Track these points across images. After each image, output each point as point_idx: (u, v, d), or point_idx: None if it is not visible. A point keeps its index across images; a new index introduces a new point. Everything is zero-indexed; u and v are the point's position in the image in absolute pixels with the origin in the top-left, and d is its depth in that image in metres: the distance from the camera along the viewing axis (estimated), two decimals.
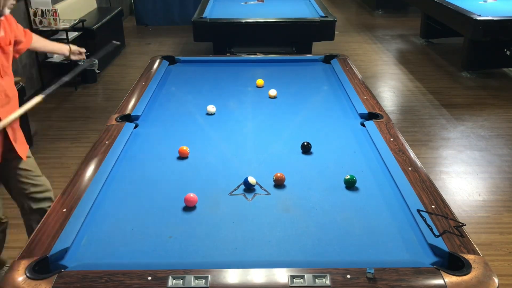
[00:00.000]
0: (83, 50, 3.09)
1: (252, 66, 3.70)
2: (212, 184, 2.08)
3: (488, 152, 4.20)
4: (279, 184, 2.06)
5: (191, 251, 1.66)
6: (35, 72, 5.50)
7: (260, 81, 3.24)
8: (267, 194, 2.00)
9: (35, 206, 2.68)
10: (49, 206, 2.30)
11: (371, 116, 2.68)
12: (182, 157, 2.31)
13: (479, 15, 5.45)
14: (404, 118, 4.93)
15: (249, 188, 2.02)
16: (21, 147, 2.61)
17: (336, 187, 2.05)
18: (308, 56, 4.15)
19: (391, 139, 2.39)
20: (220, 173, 2.17)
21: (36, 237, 1.68)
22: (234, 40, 5.42)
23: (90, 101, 5.42)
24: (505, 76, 6.10)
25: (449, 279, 1.48)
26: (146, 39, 7.89)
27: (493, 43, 5.70)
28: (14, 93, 2.63)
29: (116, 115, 2.69)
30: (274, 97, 3.05)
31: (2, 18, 2.60)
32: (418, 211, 1.79)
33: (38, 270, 1.52)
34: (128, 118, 2.69)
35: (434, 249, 1.63)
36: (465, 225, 1.73)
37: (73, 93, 5.61)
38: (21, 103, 4.25)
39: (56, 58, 5.64)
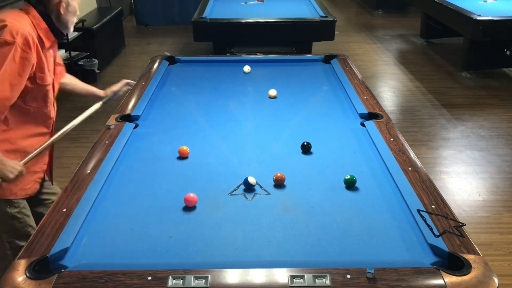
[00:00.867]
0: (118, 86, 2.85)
1: (252, 66, 3.70)
2: (212, 184, 2.08)
3: (488, 152, 4.21)
4: (279, 184, 2.06)
5: (191, 251, 1.66)
6: None
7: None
8: (267, 194, 2.00)
9: None
10: None
11: (371, 116, 2.68)
12: (182, 157, 2.31)
13: (479, 15, 5.46)
14: (404, 118, 4.93)
15: (249, 188, 2.02)
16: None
17: (336, 187, 2.05)
18: (308, 56, 4.15)
19: (391, 139, 2.39)
20: (220, 173, 2.17)
21: (36, 237, 1.68)
22: (234, 40, 5.42)
23: (90, 101, 5.41)
24: (505, 76, 6.10)
25: (449, 279, 1.48)
26: (146, 39, 7.89)
27: (493, 43, 5.70)
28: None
29: (116, 115, 2.69)
30: (274, 97, 3.04)
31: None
32: (418, 211, 1.79)
33: (38, 270, 1.52)
34: (128, 118, 2.69)
35: (434, 249, 1.63)
36: (465, 225, 1.73)
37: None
38: None
39: None
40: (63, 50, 5.76)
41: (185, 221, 1.83)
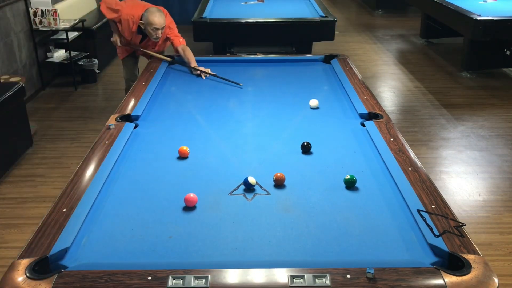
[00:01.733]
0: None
1: (252, 66, 3.70)
2: (212, 184, 2.08)
3: (488, 152, 4.20)
4: (279, 184, 2.06)
5: (191, 251, 1.66)
6: (35, 72, 5.50)
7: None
8: (267, 194, 2.00)
9: None
10: None
11: (371, 116, 2.68)
12: (182, 157, 2.31)
13: (479, 15, 5.45)
14: (404, 118, 4.93)
15: (249, 188, 2.02)
16: None
17: (336, 187, 2.05)
18: (308, 56, 4.15)
19: (391, 139, 2.39)
20: (220, 173, 2.17)
21: (36, 237, 1.68)
22: (234, 40, 5.42)
23: (90, 101, 5.42)
24: (505, 76, 6.10)
25: (449, 279, 1.48)
26: None
27: (493, 43, 5.69)
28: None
29: (116, 115, 2.69)
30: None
31: (159, 41, 3.98)
32: (418, 211, 1.79)
33: (38, 270, 1.52)
34: (128, 118, 2.69)
35: (434, 249, 1.63)
36: (465, 225, 1.73)
37: (73, 93, 5.60)
38: (21, 102, 4.25)
39: (56, 58, 5.64)
40: (63, 50, 5.77)
41: (185, 221, 1.83)
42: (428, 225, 1.71)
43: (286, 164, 2.24)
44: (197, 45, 6.55)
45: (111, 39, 4.26)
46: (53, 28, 5.43)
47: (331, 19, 5.40)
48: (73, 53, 5.72)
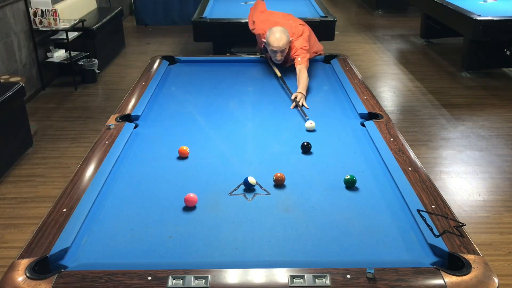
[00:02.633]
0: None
1: (252, 66, 3.70)
2: (212, 184, 2.08)
3: (488, 152, 4.20)
4: (279, 184, 2.06)
5: (191, 251, 1.66)
6: (35, 72, 5.50)
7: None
8: (267, 194, 2.00)
9: None
10: None
11: (371, 116, 2.68)
12: (182, 157, 2.31)
13: (479, 15, 5.45)
14: (404, 118, 4.92)
15: (249, 188, 2.02)
16: None
17: (336, 187, 2.05)
18: None
19: (391, 139, 2.39)
20: (220, 173, 2.17)
21: (36, 237, 1.68)
22: (234, 40, 5.42)
23: (90, 101, 5.42)
24: (505, 76, 6.10)
25: (449, 279, 1.48)
26: (146, 39, 7.89)
27: (493, 43, 5.69)
28: None
29: (116, 115, 2.69)
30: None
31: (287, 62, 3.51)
32: (418, 211, 1.79)
33: (38, 270, 1.52)
34: (128, 118, 2.69)
35: (434, 249, 1.63)
36: (465, 225, 1.73)
37: (73, 93, 5.61)
38: (21, 102, 4.25)
39: (56, 58, 5.64)
40: (63, 50, 5.77)
41: (185, 221, 1.83)
42: (428, 225, 1.71)
43: (286, 164, 2.24)
44: (197, 45, 6.57)
45: None
46: (53, 28, 5.43)
47: (331, 19, 5.40)
48: (73, 53, 5.72)
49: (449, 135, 4.54)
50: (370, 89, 3.14)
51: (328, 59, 3.71)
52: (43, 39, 5.69)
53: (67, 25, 5.51)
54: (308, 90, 3.12)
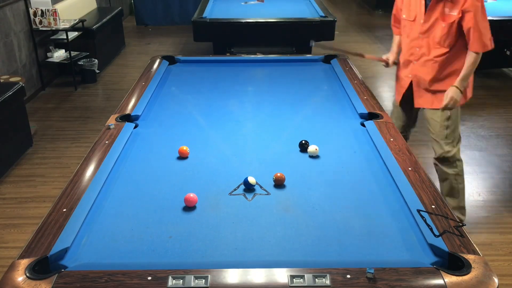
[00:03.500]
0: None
1: (252, 66, 3.70)
2: (212, 184, 2.07)
3: (488, 152, 4.20)
4: (279, 184, 2.06)
5: (191, 251, 1.66)
6: (35, 72, 5.50)
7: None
8: (267, 194, 2.00)
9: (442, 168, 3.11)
10: (456, 178, 3.04)
11: (371, 116, 2.68)
12: (182, 157, 2.31)
13: None
14: None
15: (249, 188, 2.02)
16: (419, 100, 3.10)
17: (336, 187, 2.05)
18: (308, 56, 4.15)
19: (391, 139, 2.39)
20: (220, 173, 2.17)
21: (36, 237, 1.68)
22: (234, 40, 5.42)
23: (90, 101, 5.42)
24: (505, 76, 6.10)
25: (449, 279, 1.48)
26: (146, 39, 7.89)
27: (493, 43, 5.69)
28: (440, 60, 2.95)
29: (116, 115, 2.69)
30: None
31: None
32: (418, 211, 1.79)
33: (38, 270, 1.52)
34: (128, 118, 2.69)
35: (434, 249, 1.63)
36: (465, 225, 1.73)
37: (73, 93, 5.61)
38: (21, 102, 4.26)
39: (55, 58, 5.64)
40: (63, 50, 5.77)
41: (185, 221, 1.83)
42: (428, 225, 1.71)
43: (286, 164, 2.24)
44: (197, 45, 6.57)
45: (383, 57, 3.25)
46: (53, 28, 5.43)
47: (331, 19, 5.40)
48: (73, 53, 5.72)
49: None
50: (370, 89, 3.14)
51: (328, 59, 3.71)
52: (43, 39, 5.69)
53: (67, 25, 5.51)
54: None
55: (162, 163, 2.26)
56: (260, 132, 2.61)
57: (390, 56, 3.23)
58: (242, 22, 5.30)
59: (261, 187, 2.04)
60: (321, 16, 5.48)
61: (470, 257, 1.56)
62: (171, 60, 3.70)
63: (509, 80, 5.98)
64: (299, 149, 2.36)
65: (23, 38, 5.23)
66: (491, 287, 1.46)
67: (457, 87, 2.89)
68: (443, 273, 1.50)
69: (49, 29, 5.44)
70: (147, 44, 7.60)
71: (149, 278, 1.48)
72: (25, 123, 4.23)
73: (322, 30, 5.37)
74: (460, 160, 3.04)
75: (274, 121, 2.75)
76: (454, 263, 1.56)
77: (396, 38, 3.27)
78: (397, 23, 3.21)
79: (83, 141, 4.40)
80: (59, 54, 5.72)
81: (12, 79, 4.54)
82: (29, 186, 3.73)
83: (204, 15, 5.47)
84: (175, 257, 1.63)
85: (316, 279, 1.48)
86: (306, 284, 1.47)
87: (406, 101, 3.16)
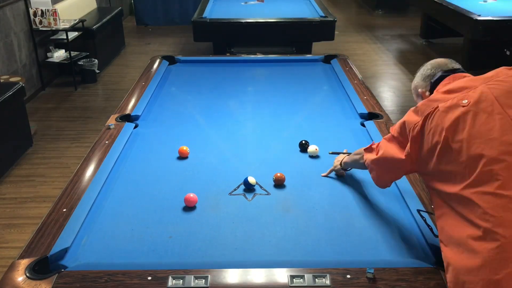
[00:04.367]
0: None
1: (252, 66, 3.70)
2: (212, 184, 2.07)
3: None
4: (279, 184, 2.06)
5: (191, 251, 1.66)
6: (35, 72, 5.50)
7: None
8: (267, 194, 2.00)
9: None
10: None
11: (371, 116, 2.68)
12: (182, 157, 2.30)
13: (479, 15, 5.45)
14: None
15: (249, 188, 2.02)
16: None
17: (336, 187, 2.05)
18: (308, 56, 4.15)
19: None
20: (220, 173, 2.17)
21: (36, 237, 1.68)
22: (234, 40, 5.42)
23: (90, 101, 5.42)
24: None
25: None
26: (146, 39, 7.89)
27: (493, 43, 5.70)
28: None
29: (116, 115, 2.69)
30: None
31: None
32: (418, 211, 1.79)
33: (38, 270, 1.52)
34: (128, 118, 2.69)
35: (434, 249, 1.63)
36: None
37: (73, 93, 5.60)
38: (21, 102, 4.25)
39: (55, 58, 5.64)
40: (63, 50, 5.77)
41: (185, 221, 1.83)
42: (428, 225, 1.71)
43: (286, 164, 2.24)
44: (197, 45, 6.57)
45: None
46: (53, 28, 5.43)
47: (331, 19, 5.40)
48: (73, 53, 5.72)
49: None
50: (370, 89, 3.14)
51: (328, 59, 3.71)
52: (43, 39, 5.69)
53: (67, 25, 5.51)
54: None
55: (162, 163, 2.26)
56: (260, 132, 2.61)
57: None
58: (242, 22, 5.30)
59: (261, 187, 2.04)
60: (321, 16, 5.48)
61: None
62: (171, 60, 3.70)
63: None
64: (299, 149, 2.36)
65: (23, 38, 5.23)
66: None
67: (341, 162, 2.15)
68: (443, 273, 1.50)
69: (49, 29, 5.43)
70: (147, 44, 7.60)
71: (149, 278, 1.48)
72: (25, 123, 4.23)
73: (322, 30, 5.37)
74: None
75: (274, 121, 2.75)
76: None
77: None
78: None
79: (83, 141, 4.40)
80: (59, 54, 5.72)
81: (12, 79, 4.54)
82: (29, 186, 3.73)
83: (204, 15, 5.47)
84: (175, 257, 1.63)
85: (316, 279, 1.48)
86: (306, 284, 1.47)
87: None
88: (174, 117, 2.80)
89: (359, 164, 1.95)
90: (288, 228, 1.78)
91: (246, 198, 1.97)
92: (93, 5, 6.98)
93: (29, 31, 5.36)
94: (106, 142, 2.38)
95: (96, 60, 5.90)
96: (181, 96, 3.18)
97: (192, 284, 1.46)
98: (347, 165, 2.08)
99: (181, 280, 1.47)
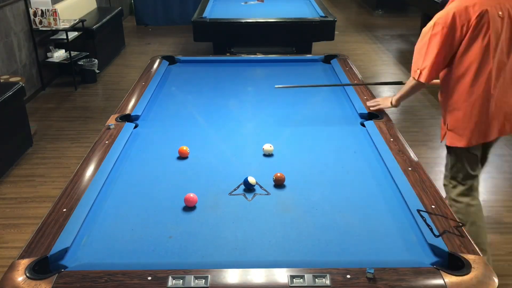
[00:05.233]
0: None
1: (252, 66, 3.70)
2: (212, 184, 2.08)
3: None
4: (279, 184, 2.06)
5: (191, 251, 1.66)
6: (35, 72, 5.50)
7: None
8: (267, 194, 2.00)
9: None
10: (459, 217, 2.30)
11: (371, 116, 2.68)
12: (182, 157, 2.31)
13: None
14: (404, 118, 4.92)
15: (249, 188, 2.02)
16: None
17: (336, 187, 2.05)
18: (308, 56, 4.15)
19: (391, 139, 2.39)
20: (220, 173, 2.17)
21: (36, 237, 1.68)
22: (234, 40, 5.42)
23: (90, 101, 5.42)
24: None
25: (449, 279, 1.48)
26: (146, 39, 7.89)
27: None
28: None
29: (116, 115, 2.69)
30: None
31: None
32: (418, 211, 1.79)
33: (38, 270, 1.52)
34: (128, 118, 2.69)
35: (434, 249, 1.63)
36: (465, 225, 1.73)
37: (73, 93, 5.61)
38: (21, 102, 4.25)
39: (55, 58, 5.64)
40: (63, 50, 5.77)
41: (185, 221, 1.83)
42: (428, 225, 1.71)
43: (286, 164, 2.24)
44: (197, 45, 6.57)
45: None
46: (53, 28, 5.43)
47: (331, 19, 5.40)
48: (73, 53, 5.72)
49: None
50: (370, 89, 3.14)
51: (328, 59, 3.71)
52: (43, 39, 5.69)
53: (67, 25, 5.51)
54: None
55: (162, 163, 2.26)
56: (260, 132, 2.61)
57: None
58: (242, 22, 5.30)
59: (261, 187, 2.04)
60: (321, 16, 5.48)
61: (470, 257, 1.56)
62: (171, 60, 3.70)
63: None
64: (301, 154, 2.35)
65: (23, 38, 5.23)
66: (491, 287, 1.47)
67: (391, 100, 2.67)
68: (443, 273, 1.50)
69: (49, 29, 5.43)
70: (147, 44, 7.60)
71: (149, 278, 1.48)
72: (25, 123, 4.23)
73: (322, 30, 5.37)
74: (456, 201, 2.54)
75: (274, 121, 2.75)
76: (454, 263, 1.56)
77: None
78: None
79: (83, 141, 4.40)
80: (59, 54, 5.72)
81: (12, 79, 4.55)
82: (29, 186, 3.73)
83: (204, 15, 5.47)
84: (175, 257, 1.63)
85: (316, 279, 1.48)
86: (306, 284, 1.47)
87: None
88: (174, 117, 2.80)
89: (410, 84, 2.52)
90: (288, 228, 1.78)
91: (246, 198, 1.97)
92: (93, 5, 6.99)
93: (29, 31, 5.36)
94: (106, 142, 2.38)
95: (96, 60, 5.90)
96: (181, 96, 3.18)
97: (192, 284, 1.46)
98: (403, 97, 2.59)
99: (181, 280, 1.47)
